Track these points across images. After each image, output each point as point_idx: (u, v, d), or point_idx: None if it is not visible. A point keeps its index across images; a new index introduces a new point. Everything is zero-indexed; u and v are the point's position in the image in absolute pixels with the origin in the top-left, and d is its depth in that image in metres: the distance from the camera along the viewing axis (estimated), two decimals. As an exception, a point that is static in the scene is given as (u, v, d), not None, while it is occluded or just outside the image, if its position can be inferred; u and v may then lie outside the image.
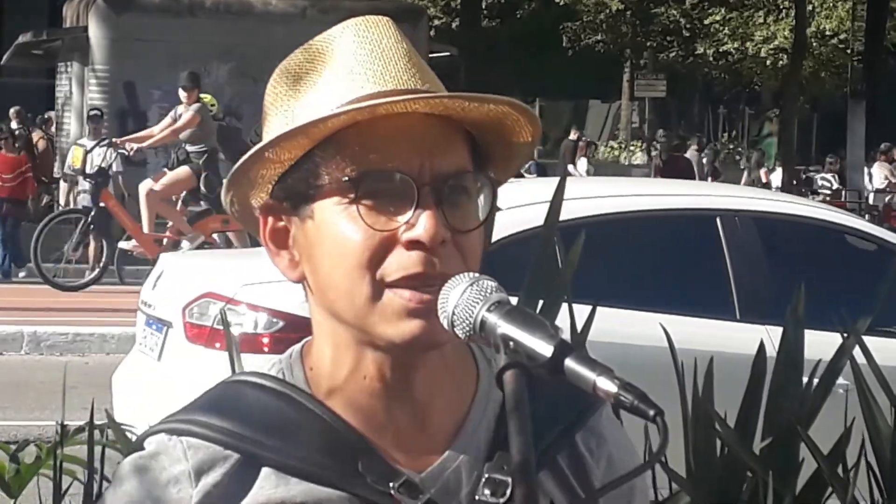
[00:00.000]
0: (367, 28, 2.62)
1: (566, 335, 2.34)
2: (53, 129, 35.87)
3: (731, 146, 49.43)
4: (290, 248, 2.53)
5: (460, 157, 2.52)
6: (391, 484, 2.42)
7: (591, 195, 11.64)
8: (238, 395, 2.59)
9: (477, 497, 2.48)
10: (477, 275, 2.41)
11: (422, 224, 2.40)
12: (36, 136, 35.29)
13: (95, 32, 30.85)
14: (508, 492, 2.45)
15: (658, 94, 47.68)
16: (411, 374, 2.54)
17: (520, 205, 10.01)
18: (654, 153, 45.67)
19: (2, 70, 39.89)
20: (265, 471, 2.46)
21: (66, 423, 5.11)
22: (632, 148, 48.15)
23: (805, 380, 5.34)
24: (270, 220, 2.55)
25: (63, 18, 33.88)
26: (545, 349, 2.24)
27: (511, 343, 2.28)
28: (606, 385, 2.18)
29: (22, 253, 28.36)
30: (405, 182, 2.43)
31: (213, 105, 28.29)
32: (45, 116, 36.92)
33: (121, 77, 30.84)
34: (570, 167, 42.29)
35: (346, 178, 2.44)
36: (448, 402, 2.60)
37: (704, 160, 45.33)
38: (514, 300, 2.46)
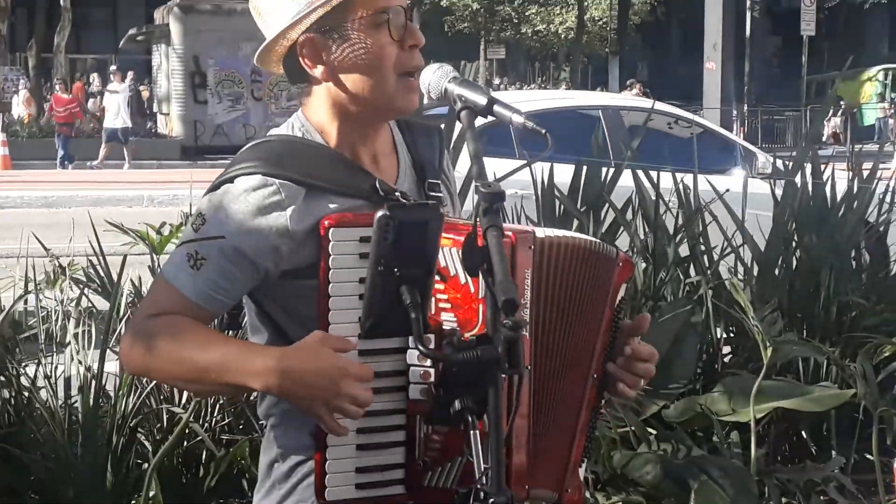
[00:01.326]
0: None
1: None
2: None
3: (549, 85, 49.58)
4: (323, 63, 2.43)
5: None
6: (397, 194, 2.40)
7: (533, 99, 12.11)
8: (287, 148, 2.52)
9: (429, 193, 2.52)
10: (441, 63, 2.47)
11: (417, 36, 2.44)
12: (143, 88, 35.14)
13: (174, 27, 30.88)
14: (441, 190, 2.57)
15: (500, 56, 48.45)
16: (379, 131, 2.54)
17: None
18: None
19: (119, 51, 39.58)
20: (323, 195, 2.42)
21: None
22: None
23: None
24: (306, 49, 2.43)
25: (154, 19, 33.60)
26: (482, 100, 2.30)
27: (463, 97, 2.33)
28: (517, 118, 2.26)
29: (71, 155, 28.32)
30: (405, 12, 2.43)
31: None
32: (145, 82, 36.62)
33: (190, 52, 30.69)
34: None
35: (381, 10, 2.40)
36: (386, 148, 2.57)
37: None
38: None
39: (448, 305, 2.31)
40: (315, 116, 2.51)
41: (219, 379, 2.35)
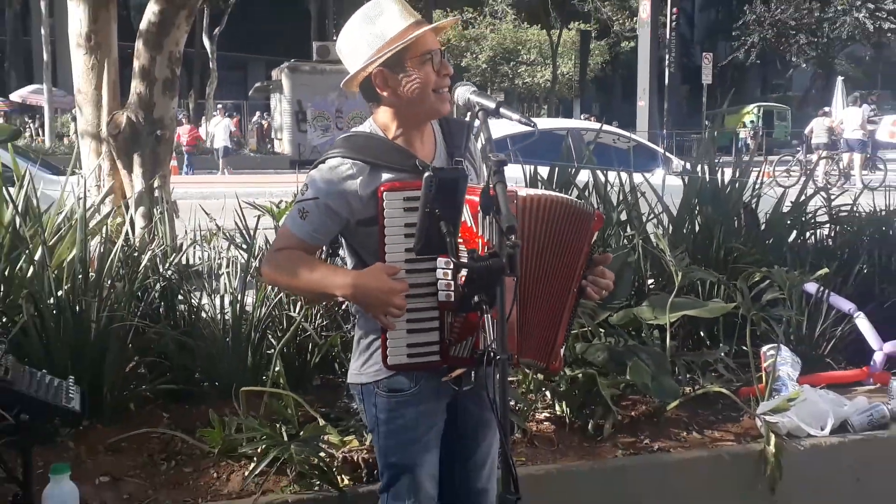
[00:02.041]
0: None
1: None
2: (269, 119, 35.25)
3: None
4: (390, 87, 2.43)
5: (438, 44, 2.48)
6: (432, 168, 2.41)
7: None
8: (360, 140, 2.52)
9: (455, 167, 2.51)
10: (467, 83, 2.50)
11: (448, 67, 2.46)
12: (265, 122, 34.63)
13: (285, 81, 30.06)
14: (465, 165, 2.53)
15: (500, 99, 46.99)
16: (423, 126, 2.53)
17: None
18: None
19: (249, 98, 39.21)
20: (381, 170, 2.44)
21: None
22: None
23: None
24: (378, 79, 2.44)
25: (272, 76, 33.31)
26: (492, 105, 2.35)
27: (480, 103, 2.38)
28: (515, 116, 2.37)
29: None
30: (440, 52, 2.44)
31: None
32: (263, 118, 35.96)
33: (295, 98, 29.79)
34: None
35: (426, 52, 2.42)
36: (428, 137, 2.55)
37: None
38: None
39: (461, 240, 2.33)
40: (381, 120, 2.53)
41: (318, 289, 2.45)
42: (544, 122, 13.55)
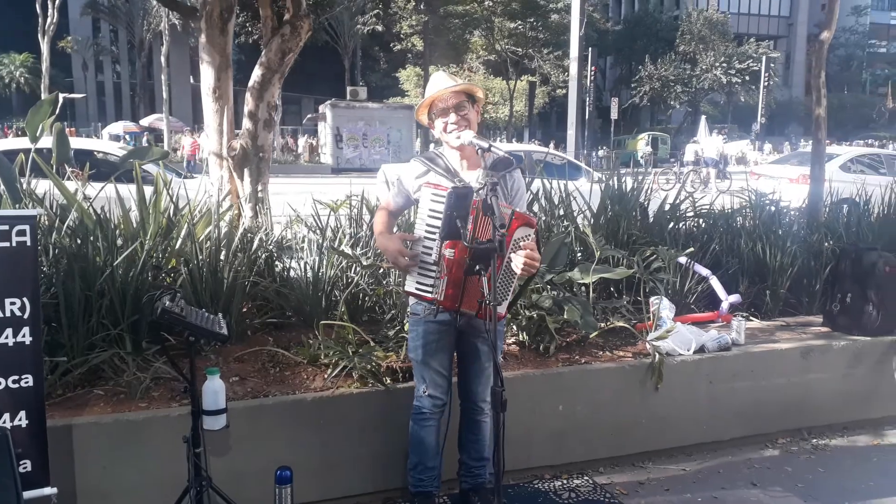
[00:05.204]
0: (441, 73, 2.59)
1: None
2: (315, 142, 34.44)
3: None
4: (433, 126, 2.52)
5: (462, 99, 2.49)
6: (457, 181, 2.48)
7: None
8: (430, 154, 2.59)
9: (484, 186, 2.30)
10: (473, 134, 2.51)
11: (454, 117, 2.49)
12: (313, 141, 33.87)
13: (328, 113, 29.27)
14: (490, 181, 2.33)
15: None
16: (463, 153, 2.56)
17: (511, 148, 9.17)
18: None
19: (303, 125, 38.35)
20: (432, 174, 2.52)
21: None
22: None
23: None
24: (428, 122, 2.55)
25: (319, 110, 32.57)
26: (486, 145, 2.39)
27: (477, 143, 2.43)
28: (501, 151, 2.38)
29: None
30: (453, 106, 2.49)
31: None
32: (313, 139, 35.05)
33: (335, 125, 29.15)
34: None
35: (443, 108, 2.48)
36: (475, 163, 2.56)
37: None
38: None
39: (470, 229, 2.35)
40: (441, 145, 2.63)
41: (375, 237, 2.58)
42: (506, 147, 13.49)
